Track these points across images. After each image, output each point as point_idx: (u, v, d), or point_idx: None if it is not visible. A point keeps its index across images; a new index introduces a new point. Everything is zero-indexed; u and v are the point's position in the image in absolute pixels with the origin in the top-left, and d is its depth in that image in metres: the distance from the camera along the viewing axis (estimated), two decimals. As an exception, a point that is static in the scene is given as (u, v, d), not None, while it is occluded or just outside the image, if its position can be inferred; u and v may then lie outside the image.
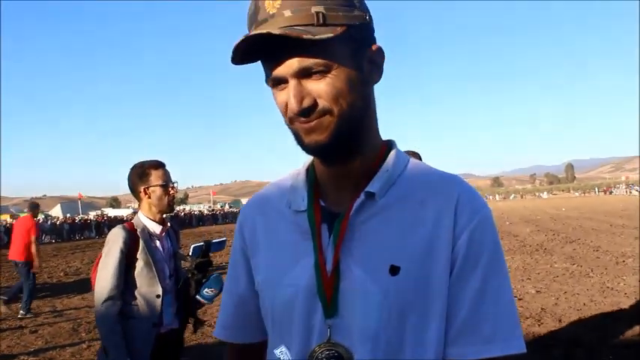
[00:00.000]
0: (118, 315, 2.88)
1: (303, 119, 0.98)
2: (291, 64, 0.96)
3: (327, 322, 1.02)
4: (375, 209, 1.05)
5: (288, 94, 0.98)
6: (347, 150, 1.04)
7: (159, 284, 3.00)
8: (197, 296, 3.14)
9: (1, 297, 9.81)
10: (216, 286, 3.15)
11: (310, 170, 1.15)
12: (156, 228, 3.12)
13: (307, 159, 1.17)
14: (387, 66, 1.08)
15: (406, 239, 1.02)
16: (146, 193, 3.09)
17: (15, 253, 9.26)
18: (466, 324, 1.00)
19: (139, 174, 3.10)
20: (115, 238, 2.96)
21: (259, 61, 1.02)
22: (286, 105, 1.00)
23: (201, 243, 3.27)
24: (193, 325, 3.33)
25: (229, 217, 55.99)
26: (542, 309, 7.79)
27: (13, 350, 7.09)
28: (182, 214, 57.20)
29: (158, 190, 3.07)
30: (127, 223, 3.09)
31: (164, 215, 3.21)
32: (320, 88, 0.97)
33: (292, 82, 0.97)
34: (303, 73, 0.97)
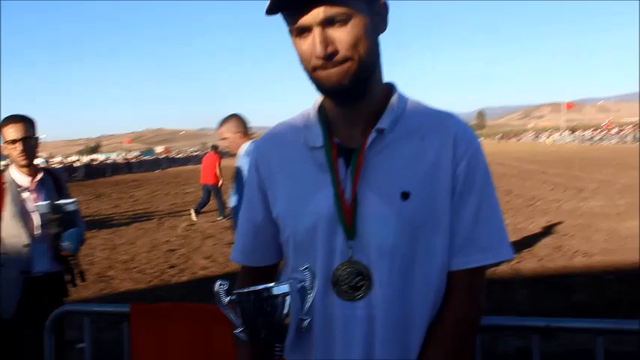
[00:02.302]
0: None
1: (327, 63, 1.12)
2: (317, 14, 1.10)
3: (349, 244, 1.19)
4: (385, 143, 1.21)
5: (314, 40, 1.12)
6: (362, 92, 1.19)
7: (26, 234, 3.08)
8: (61, 243, 3.19)
9: (192, 209, 13.60)
10: (71, 240, 3.19)
11: (322, 110, 1.28)
12: (24, 180, 3.17)
13: (317, 100, 1.30)
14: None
15: (413, 168, 1.19)
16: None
17: (205, 178, 13.52)
18: (467, 238, 1.21)
19: None
20: None
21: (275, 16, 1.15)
22: (310, 52, 1.13)
23: (48, 202, 3.24)
24: (66, 270, 3.33)
25: (144, 166, 53.72)
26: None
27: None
28: (94, 163, 54.40)
29: (8, 147, 3.11)
30: None
31: (38, 166, 3.27)
32: (342, 36, 1.11)
33: (317, 30, 1.11)
34: (327, 22, 1.11)
